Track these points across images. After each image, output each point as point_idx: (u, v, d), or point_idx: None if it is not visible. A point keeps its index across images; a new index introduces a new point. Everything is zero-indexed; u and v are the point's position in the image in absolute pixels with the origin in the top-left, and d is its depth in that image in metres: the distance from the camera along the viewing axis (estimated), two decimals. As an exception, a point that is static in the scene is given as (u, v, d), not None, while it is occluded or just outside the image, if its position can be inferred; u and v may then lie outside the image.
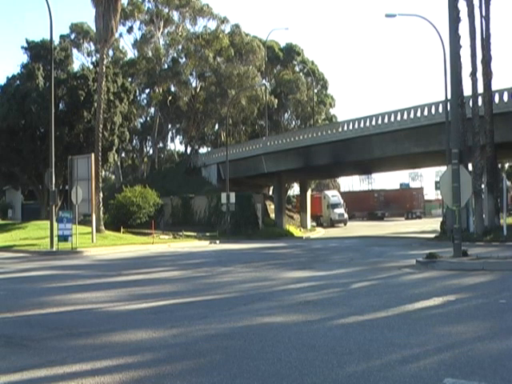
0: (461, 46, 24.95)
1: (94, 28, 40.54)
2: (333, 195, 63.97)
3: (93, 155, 28.80)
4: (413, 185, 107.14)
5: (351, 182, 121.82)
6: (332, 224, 60.92)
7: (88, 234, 27.16)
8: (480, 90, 26.66)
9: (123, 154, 63.60)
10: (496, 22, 36.76)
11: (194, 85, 60.04)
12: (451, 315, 7.33)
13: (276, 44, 64.10)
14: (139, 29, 60.49)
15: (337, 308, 8.12)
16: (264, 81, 57.25)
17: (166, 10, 59.93)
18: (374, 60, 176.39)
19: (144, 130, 63.71)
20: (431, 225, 45.44)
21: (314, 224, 60.42)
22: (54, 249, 23.18)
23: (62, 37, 57.15)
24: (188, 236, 36.48)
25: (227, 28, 60.56)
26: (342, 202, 63.32)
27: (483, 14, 26.87)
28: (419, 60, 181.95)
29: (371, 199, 74.88)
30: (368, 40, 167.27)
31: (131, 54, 61.76)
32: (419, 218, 71.46)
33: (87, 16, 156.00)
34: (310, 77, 60.93)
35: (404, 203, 73.71)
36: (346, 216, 62.59)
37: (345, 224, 61.33)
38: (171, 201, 46.46)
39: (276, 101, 57.81)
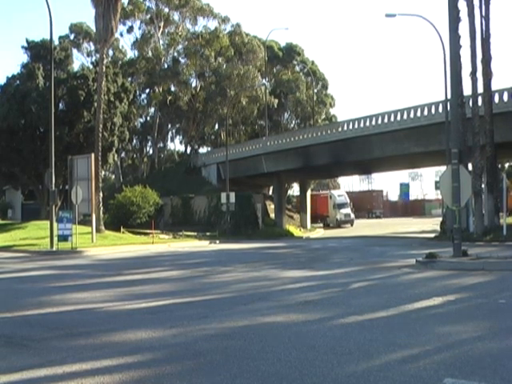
0: (461, 46, 24.93)
1: (93, 28, 40.56)
2: (339, 195, 62.28)
3: (93, 155, 28.80)
4: (412, 185, 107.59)
5: (351, 182, 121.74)
6: (338, 225, 58.45)
7: (88, 233, 27.15)
8: (480, 89, 26.64)
9: (123, 154, 63.56)
10: (496, 22, 36.76)
11: (193, 85, 60.02)
12: (451, 315, 7.34)
13: (276, 44, 64.06)
14: (139, 28, 60.53)
15: (337, 308, 8.12)
16: (264, 81, 57.23)
17: (167, 10, 59.91)
18: (374, 60, 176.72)
19: (144, 130, 63.69)
20: (431, 225, 45.43)
21: (322, 225, 59.01)
22: (54, 249, 23.18)
23: (61, 37, 57.14)
24: (188, 236, 36.50)
25: (227, 27, 60.61)
26: (348, 201, 61.14)
27: (483, 13, 26.86)
28: (419, 60, 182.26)
29: None
30: (368, 40, 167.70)
31: (131, 53, 61.84)
32: (379, 217, 75.31)
33: (87, 16, 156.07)
34: (309, 77, 60.88)
35: (365, 204, 77.19)
36: (352, 216, 59.97)
37: (351, 225, 58.63)
38: (171, 201, 46.46)
39: (276, 101, 57.75)
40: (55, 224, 23.66)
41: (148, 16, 59.84)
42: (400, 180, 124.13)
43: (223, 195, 39.92)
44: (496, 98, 28.49)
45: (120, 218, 37.03)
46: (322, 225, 59.65)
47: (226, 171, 41.33)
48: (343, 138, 39.04)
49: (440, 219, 36.07)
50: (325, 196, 63.03)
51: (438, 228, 33.32)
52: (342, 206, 59.90)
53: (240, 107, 57.24)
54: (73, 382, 4.50)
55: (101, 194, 32.06)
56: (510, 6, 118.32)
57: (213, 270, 14.49)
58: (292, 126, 65.70)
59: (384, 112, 36.94)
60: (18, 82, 38.21)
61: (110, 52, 53.54)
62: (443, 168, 23.71)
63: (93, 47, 60.01)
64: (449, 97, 20.90)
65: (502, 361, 4.92)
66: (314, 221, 59.07)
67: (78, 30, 60.40)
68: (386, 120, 36.16)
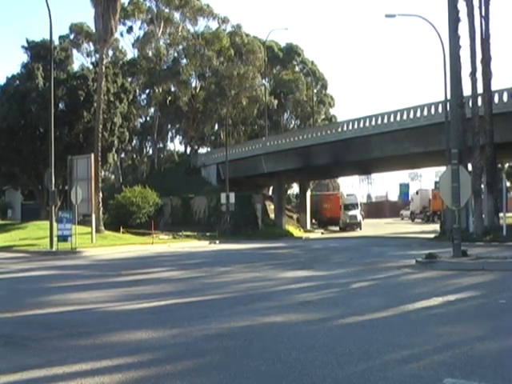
0: (460, 46, 24.95)
1: (93, 28, 40.54)
2: (348, 194, 59.63)
3: (92, 155, 28.80)
4: (412, 185, 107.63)
5: (351, 182, 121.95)
6: (345, 227, 53.67)
7: (87, 234, 27.14)
8: (480, 90, 26.66)
9: (123, 154, 63.47)
10: (496, 22, 36.74)
11: (193, 85, 60.00)
12: (451, 315, 7.34)
13: (276, 44, 64.05)
14: (140, 28, 60.42)
15: (337, 308, 8.12)
16: (264, 81, 57.23)
17: (167, 10, 59.89)
18: (373, 60, 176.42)
19: (144, 130, 63.63)
20: (431, 225, 45.43)
21: (337, 228, 54.66)
22: (54, 249, 23.18)
23: (61, 37, 57.05)
24: (188, 236, 36.47)
25: (228, 28, 60.60)
26: (358, 202, 57.21)
27: (483, 14, 26.88)
28: (419, 60, 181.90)
29: None
30: (368, 40, 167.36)
31: (131, 54, 61.80)
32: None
33: (87, 16, 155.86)
34: (309, 77, 60.86)
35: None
36: (359, 218, 54.55)
37: (360, 228, 52.95)
38: (171, 201, 46.44)
39: (276, 101, 57.71)
40: (55, 224, 23.65)
41: (148, 16, 59.82)
42: (400, 180, 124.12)
43: (223, 195, 39.89)
44: (496, 99, 28.49)
45: (120, 219, 37.04)
46: (337, 228, 54.79)
47: (226, 171, 41.31)
48: (343, 138, 39.02)
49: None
50: (337, 196, 58.06)
51: (437, 228, 33.34)
52: (349, 207, 55.10)
53: (240, 107, 57.21)
54: (73, 382, 4.49)
55: (100, 195, 32.07)
56: (510, 6, 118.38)
57: (213, 270, 14.49)
58: (292, 126, 65.67)
59: (384, 112, 36.92)
60: (17, 82, 38.17)
61: (110, 52, 53.43)
62: (443, 168, 23.70)
63: (93, 47, 59.94)
64: (448, 97, 20.93)
65: (502, 361, 4.92)
66: (326, 224, 55.56)
67: (78, 30, 60.30)
68: (385, 120, 36.15)
